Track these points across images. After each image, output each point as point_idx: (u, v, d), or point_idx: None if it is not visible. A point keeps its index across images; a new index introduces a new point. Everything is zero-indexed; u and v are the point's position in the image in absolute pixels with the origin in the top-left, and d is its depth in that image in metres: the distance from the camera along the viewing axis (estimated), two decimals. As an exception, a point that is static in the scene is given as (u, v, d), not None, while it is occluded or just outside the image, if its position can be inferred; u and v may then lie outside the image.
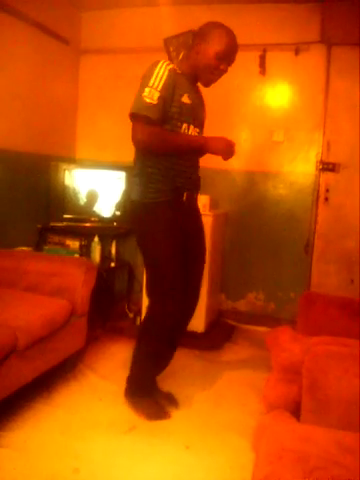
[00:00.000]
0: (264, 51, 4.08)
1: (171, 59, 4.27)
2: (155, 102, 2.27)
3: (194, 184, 2.62)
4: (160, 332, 2.53)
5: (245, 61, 4.06)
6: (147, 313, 2.60)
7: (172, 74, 2.32)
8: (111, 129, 4.55)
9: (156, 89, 2.27)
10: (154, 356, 2.60)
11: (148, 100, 2.27)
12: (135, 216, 2.54)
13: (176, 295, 2.48)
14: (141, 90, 2.30)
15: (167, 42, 4.28)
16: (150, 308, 2.57)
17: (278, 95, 4.18)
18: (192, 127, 2.50)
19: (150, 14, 4.34)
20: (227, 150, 2.45)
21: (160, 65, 2.31)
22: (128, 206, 2.62)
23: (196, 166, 2.64)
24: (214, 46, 2.38)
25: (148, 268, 2.58)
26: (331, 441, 1.43)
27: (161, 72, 2.29)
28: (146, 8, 4.34)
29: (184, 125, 2.46)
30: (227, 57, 2.43)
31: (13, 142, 3.84)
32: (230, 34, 2.43)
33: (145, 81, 2.30)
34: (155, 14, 4.30)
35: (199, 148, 2.49)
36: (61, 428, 2.43)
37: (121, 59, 4.54)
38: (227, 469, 2.17)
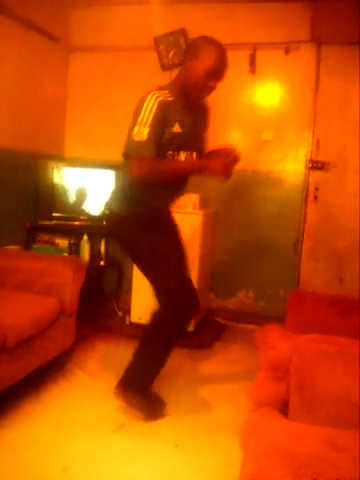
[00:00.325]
0: (254, 50, 4.08)
1: (161, 58, 4.27)
2: (145, 139, 2.30)
3: (174, 202, 2.73)
4: (172, 331, 2.55)
5: (235, 60, 4.01)
6: (158, 313, 2.57)
7: (162, 106, 2.33)
8: (100, 127, 4.55)
9: (145, 125, 2.30)
10: (162, 356, 2.58)
11: (137, 138, 2.31)
12: (118, 228, 2.64)
13: (184, 290, 2.55)
14: (131, 128, 2.33)
15: (157, 40, 4.27)
16: (162, 309, 2.55)
17: (268, 94, 4.19)
18: (182, 153, 2.53)
19: (140, 12, 4.33)
20: (224, 172, 2.44)
21: (148, 99, 2.33)
22: (107, 217, 2.72)
23: (182, 189, 2.70)
24: (204, 62, 2.37)
25: (149, 274, 2.60)
26: (319, 438, 1.43)
27: (150, 106, 2.31)
28: (136, 6, 4.33)
29: (175, 153, 2.49)
30: (216, 74, 2.42)
31: (1, 140, 3.82)
32: (220, 50, 2.41)
33: (135, 118, 2.34)
34: (146, 12, 4.28)
35: (197, 172, 2.53)
36: (50, 427, 2.43)
37: (111, 57, 4.53)
38: (216, 467, 2.17)
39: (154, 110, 2.30)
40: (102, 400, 2.70)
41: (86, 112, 4.65)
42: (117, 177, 2.64)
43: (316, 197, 4.11)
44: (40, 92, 4.29)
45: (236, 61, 4.00)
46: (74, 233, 4.10)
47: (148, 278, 2.61)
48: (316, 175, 4.09)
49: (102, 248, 4.15)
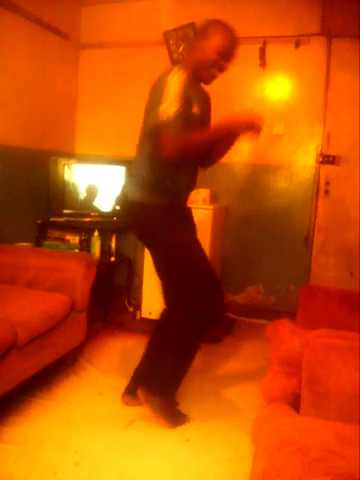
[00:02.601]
0: (264, 44, 4.06)
1: (171, 53, 4.27)
2: (172, 118, 2.20)
3: (193, 184, 2.62)
4: (202, 328, 2.46)
5: (245, 54, 4.01)
6: (184, 316, 2.42)
7: (186, 85, 2.26)
8: (110, 124, 4.56)
9: (171, 104, 2.20)
10: (192, 357, 2.50)
11: (164, 118, 2.20)
12: (139, 218, 2.46)
13: (216, 284, 2.47)
14: (155, 107, 2.23)
15: (167, 35, 4.27)
16: (187, 310, 2.41)
17: (278, 88, 4.17)
18: None
19: (150, 7, 4.34)
20: (253, 125, 2.30)
21: (171, 77, 2.24)
22: (128, 207, 2.51)
23: (196, 174, 2.62)
24: (214, 41, 2.35)
25: (175, 270, 2.44)
26: (330, 433, 1.43)
27: (174, 84, 2.22)
28: (145, 1, 4.34)
29: None
30: (227, 52, 2.39)
31: (12, 137, 3.84)
32: (230, 30, 2.40)
33: (157, 97, 2.24)
34: (155, 7, 4.31)
35: (225, 134, 2.39)
36: (62, 422, 2.44)
37: (121, 53, 4.54)
38: (227, 462, 2.17)
39: (179, 88, 2.22)
40: (113, 396, 2.69)
41: (96, 109, 4.66)
42: (135, 163, 2.48)
43: (327, 191, 4.09)
44: (51, 89, 4.31)
45: (246, 55, 3.99)
46: (85, 229, 4.12)
47: (167, 275, 2.47)
48: (327, 169, 4.07)
49: (113, 244, 4.16)
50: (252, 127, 2.31)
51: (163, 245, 2.44)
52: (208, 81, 2.48)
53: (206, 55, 2.37)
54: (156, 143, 2.29)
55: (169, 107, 2.20)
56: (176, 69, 2.30)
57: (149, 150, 2.41)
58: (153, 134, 2.29)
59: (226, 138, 2.46)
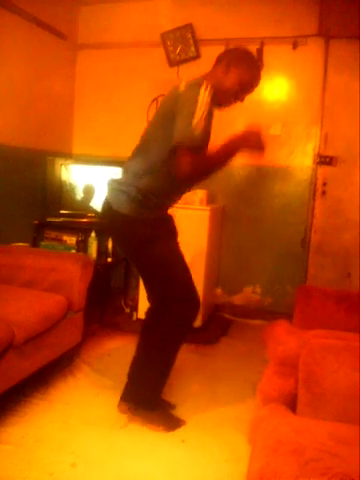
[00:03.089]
0: (262, 45, 4.06)
1: (168, 54, 4.27)
2: (200, 136, 2.15)
3: (177, 200, 2.61)
4: (182, 334, 2.48)
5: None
6: (160, 321, 2.45)
7: (211, 102, 2.20)
8: (108, 124, 4.56)
9: (201, 119, 2.14)
10: (170, 361, 2.49)
11: (197, 132, 2.13)
12: (124, 230, 2.43)
13: (194, 290, 2.48)
14: (189, 118, 2.13)
15: (164, 37, 4.27)
16: (163, 315, 2.44)
17: (276, 88, 4.17)
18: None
19: (147, 8, 4.35)
20: (259, 142, 2.34)
21: (205, 91, 2.17)
22: (113, 218, 2.44)
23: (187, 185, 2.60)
24: (242, 74, 2.36)
25: (154, 278, 2.48)
26: (326, 433, 1.43)
27: (205, 100, 2.16)
28: (143, 2, 4.35)
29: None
30: (249, 86, 2.41)
31: (9, 137, 3.83)
32: (258, 66, 2.47)
33: (191, 105, 2.15)
34: (152, 8, 4.31)
35: (233, 154, 2.37)
36: (58, 423, 2.43)
37: (118, 54, 4.54)
38: (223, 462, 2.17)
39: (208, 106, 2.16)
40: (110, 397, 2.68)
41: (93, 109, 4.66)
42: (131, 172, 2.41)
43: (324, 192, 4.09)
44: (48, 89, 4.30)
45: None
46: (82, 230, 4.11)
47: (151, 282, 2.50)
48: (324, 170, 4.08)
49: (109, 245, 4.15)
50: (260, 145, 2.35)
51: (147, 258, 2.43)
52: (221, 106, 2.46)
53: (229, 83, 2.37)
54: (179, 156, 2.20)
55: (199, 123, 2.14)
56: (205, 84, 2.20)
57: (160, 161, 2.33)
58: (180, 146, 2.19)
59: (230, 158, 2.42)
